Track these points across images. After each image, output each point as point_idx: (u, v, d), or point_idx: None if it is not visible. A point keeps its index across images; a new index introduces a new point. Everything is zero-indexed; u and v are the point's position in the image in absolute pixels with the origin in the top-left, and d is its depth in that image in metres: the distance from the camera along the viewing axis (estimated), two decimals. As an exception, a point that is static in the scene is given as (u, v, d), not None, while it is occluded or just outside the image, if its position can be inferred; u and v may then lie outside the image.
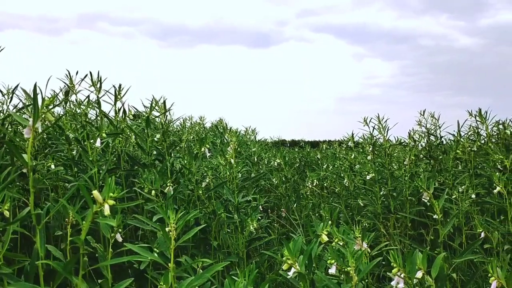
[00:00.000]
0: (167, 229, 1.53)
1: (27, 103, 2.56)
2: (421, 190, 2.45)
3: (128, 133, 3.07)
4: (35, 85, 1.52)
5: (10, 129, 2.76)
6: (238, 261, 2.71)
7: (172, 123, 3.92)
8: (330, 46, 33.29)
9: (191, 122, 6.05)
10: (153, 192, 2.49)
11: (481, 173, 3.41)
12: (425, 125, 4.10)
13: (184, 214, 1.56)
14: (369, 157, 3.85)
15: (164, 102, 3.09)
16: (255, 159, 4.73)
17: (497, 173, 2.68)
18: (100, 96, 2.88)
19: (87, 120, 2.92)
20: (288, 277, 1.70)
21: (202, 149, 2.88)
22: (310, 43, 33.03)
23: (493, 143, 3.61)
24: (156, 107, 3.11)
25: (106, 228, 1.73)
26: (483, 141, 3.70)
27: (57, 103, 3.01)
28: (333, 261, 1.74)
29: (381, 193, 3.55)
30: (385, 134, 3.69)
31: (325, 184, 4.73)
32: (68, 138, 2.77)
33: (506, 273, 1.59)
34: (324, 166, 5.36)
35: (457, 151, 3.53)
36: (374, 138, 3.85)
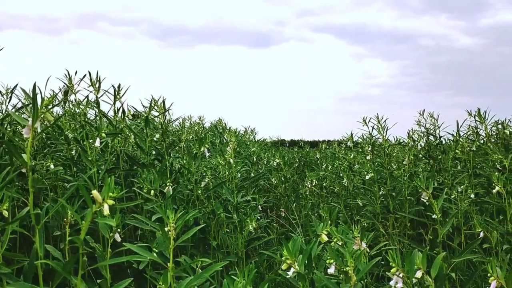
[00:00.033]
0: (166, 229, 1.53)
1: (26, 103, 2.55)
2: (420, 190, 2.45)
3: (127, 133, 3.07)
4: (34, 85, 1.52)
5: (9, 129, 2.76)
6: (237, 261, 2.71)
7: (171, 123, 3.92)
8: (330, 46, 33.32)
9: (190, 122, 6.05)
10: (152, 192, 2.49)
11: (480, 173, 3.42)
12: (424, 125, 4.11)
13: (183, 214, 1.56)
14: (368, 157, 3.85)
15: (164, 102, 3.09)
16: (254, 159, 4.74)
17: (496, 173, 2.68)
18: (99, 96, 2.88)
19: (86, 120, 2.92)
20: (288, 276, 1.70)
21: (201, 149, 2.89)
22: (310, 43, 33.05)
23: (492, 143, 3.61)
24: (155, 107, 3.11)
25: (105, 228, 1.73)
26: (482, 141, 3.71)
27: (56, 103, 3.01)
28: (332, 261, 1.74)
29: (380, 193, 3.55)
30: (384, 134, 3.69)
31: (324, 184, 4.73)
32: (67, 138, 2.77)
33: (505, 273, 1.59)
34: (323, 166, 5.36)
35: (456, 151, 3.53)
36: (373, 138, 3.86)
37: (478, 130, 3.73)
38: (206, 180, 3.01)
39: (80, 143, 2.59)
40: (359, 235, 1.91)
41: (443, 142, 4.07)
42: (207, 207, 2.85)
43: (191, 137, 4.25)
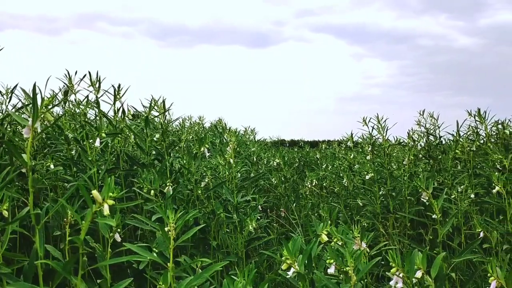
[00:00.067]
0: (166, 229, 1.53)
1: (26, 103, 2.55)
2: (420, 190, 2.45)
3: (127, 133, 3.07)
4: (34, 85, 1.52)
5: (9, 129, 2.76)
6: (237, 261, 2.71)
7: (171, 123, 3.92)
8: (330, 46, 33.30)
9: (190, 122, 6.06)
10: (152, 192, 2.49)
11: (480, 173, 3.42)
12: (424, 125, 4.11)
13: (183, 214, 1.56)
14: (368, 157, 3.85)
15: (163, 102, 3.09)
16: (254, 159, 4.74)
17: (496, 173, 2.68)
18: (99, 96, 2.88)
19: (86, 120, 2.92)
20: (288, 277, 1.70)
21: (201, 149, 2.89)
22: (309, 43, 33.04)
23: (492, 143, 3.61)
24: (155, 107, 3.11)
25: (105, 228, 1.73)
26: (482, 141, 3.71)
27: (56, 103, 3.01)
28: (332, 261, 1.74)
29: (380, 193, 3.55)
30: (384, 134, 3.69)
31: (324, 184, 4.73)
32: (67, 138, 2.77)
33: (505, 273, 1.59)
34: (323, 166, 5.36)
35: (456, 151, 3.53)
36: (373, 138, 3.86)
37: (478, 130, 3.73)
38: (206, 180, 3.01)
39: (80, 143, 2.59)
40: (359, 235, 1.91)
41: (443, 142, 4.07)
42: (207, 207, 2.85)
43: (191, 137, 4.25)
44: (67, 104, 3.14)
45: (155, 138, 3.06)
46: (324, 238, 2.00)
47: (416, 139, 4.04)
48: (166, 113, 3.15)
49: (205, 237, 2.78)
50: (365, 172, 3.77)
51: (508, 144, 3.64)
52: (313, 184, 4.60)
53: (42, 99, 1.57)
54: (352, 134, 4.59)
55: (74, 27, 30.47)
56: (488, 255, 2.64)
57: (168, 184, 2.64)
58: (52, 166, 2.67)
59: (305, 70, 29.76)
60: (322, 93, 25.38)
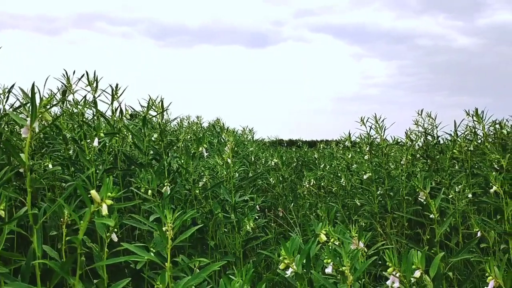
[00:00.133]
0: (164, 228, 1.53)
1: (24, 103, 2.55)
2: (417, 190, 2.45)
3: (125, 132, 3.06)
4: (33, 85, 1.52)
5: (7, 129, 2.75)
6: (235, 260, 2.71)
7: (169, 123, 3.92)
8: (329, 46, 33.30)
9: (188, 122, 6.06)
10: (150, 191, 2.49)
11: (478, 173, 3.42)
12: (422, 125, 4.11)
13: (181, 213, 1.56)
14: (366, 157, 3.85)
15: (162, 101, 3.09)
16: (252, 158, 4.74)
17: (494, 173, 2.68)
18: (96, 95, 2.88)
19: (84, 119, 2.91)
20: (286, 275, 1.70)
21: (200, 148, 2.88)
22: (308, 43, 33.04)
23: (489, 142, 3.62)
24: (153, 107, 3.11)
25: (102, 228, 1.72)
26: (480, 141, 3.71)
27: (54, 103, 3.00)
28: (329, 260, 1.74)
29: (378, 192, 3.55)
30: (382, 134, 3.69)
31: (322, 184, 4.74)
32: (65, 137, 2.76)
33: (503, 273, 1.59)
34: (321, 166, 5.37)
35: (454, 150, 3.54)
36: (371, 138, 3.86)
37: (476, 130, 3.74)
38: (204, 180, 3.02)
39: (78, 143, 2.58)
40: (356, 234, 1.91)
41: (441, 142, 4.08)
42: (205, 207, 2.85)
43: (189, 137, 4.25)
44: (65, 104, 3.14)
45: (153, 138, 3.05)
46: (323, 238, 2.00)
47: (414, 139, 4.04)
48: (164, 113, 3.15)
49: (203, 237, 2.78)
50: (363, 172, 3.77)
51: (506, 143, 3.65)
52: (311, 184, 4.60)
53: (41, 99, 1.57)
54: (350, 134, 4.60)
55: (73, 27, 30.44)
56: (485, 254, 2.65)
57: (166, 184, 2.64)
58: (50, 166, 2.66)
59: (304, 70, 29.78)
60: (321, 93, 25.41)
